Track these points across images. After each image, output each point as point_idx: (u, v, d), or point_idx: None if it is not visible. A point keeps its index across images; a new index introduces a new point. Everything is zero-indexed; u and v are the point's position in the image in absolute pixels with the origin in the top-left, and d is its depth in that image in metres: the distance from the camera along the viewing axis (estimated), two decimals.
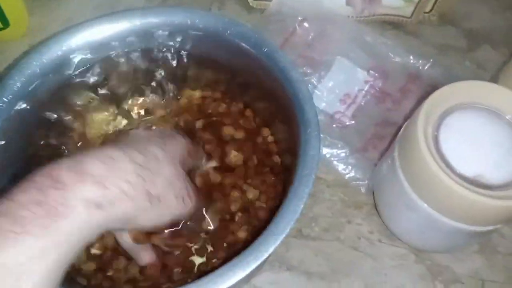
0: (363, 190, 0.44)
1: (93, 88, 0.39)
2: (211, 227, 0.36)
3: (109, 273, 0.36)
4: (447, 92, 0.34)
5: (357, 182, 0.44)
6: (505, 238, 0.42)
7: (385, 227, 0.42)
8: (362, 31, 0.49)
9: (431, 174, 0.31)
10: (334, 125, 0.46)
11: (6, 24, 0.49)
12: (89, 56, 0.36)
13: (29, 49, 0.50)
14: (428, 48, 0.52)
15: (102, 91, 0.39)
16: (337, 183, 0.44)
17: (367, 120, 0.46)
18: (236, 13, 0.54)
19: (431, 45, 0.52)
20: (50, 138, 0.37)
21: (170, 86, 0.42)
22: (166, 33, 0.37)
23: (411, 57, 0.48)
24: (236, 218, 0.37)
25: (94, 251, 0.36)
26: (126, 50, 0.38)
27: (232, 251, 0.36)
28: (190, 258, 0.36)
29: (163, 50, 0.39)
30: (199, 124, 0.40)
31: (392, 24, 0.53)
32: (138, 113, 0.42)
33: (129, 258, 0.35)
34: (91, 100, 0.40)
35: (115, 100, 0.41)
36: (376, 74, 0.48)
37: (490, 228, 0.34)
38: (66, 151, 0.39)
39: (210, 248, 0.37)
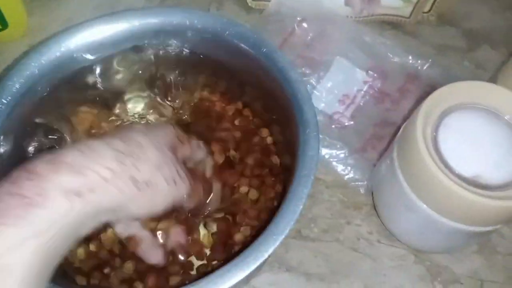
0: (362, 190, 0.44)
1: (93, 88, 0.39)
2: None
3: (107, 272, 0.35)
4: (446, 92, 0.34)
5: (356, 182, 0.44)
6: (504, 238, 0.42)
7: (384, 227, 0.42)
8: (361, 31, 0.49)
9: (430, 175, 0.31)
10: (333, 126, 0.46)
11: (5, 25, 0.49)
12: (88, 56, 0.36)
13: (28, 49, 0.50)
14: (427, 48, 0.52)
15: (102, 91, 0.39)
16: (336, 184, 0.44)
17: (366, 121, 0.46)
18: (235, 13, 0.54)
19: (430, 45, 0.52)
20: (49, 138, 0.37)
21: (170, 87, 0.42)
22: (165, 33, 0.37)
23: (410, 57, 0.48)
24: (237, 219, 0.37)
25: (92, 248, 0.36)
26: (125, 50, 0.38)
27: (232, 252, 0.36)
28: (189, 259, 0.36)
29: (163, 50, 0.39)
30: (198, 124, 0.40)
31: (391, 24, 0.53)
32: (138, 113, 0.43)
33: (126, 258, 0.35)
34: (90, 101, 0.39)
35: (115, 101, 0.41)
36: (375, 75, 0.48)
37: (489, 228, 0.34)
38: None
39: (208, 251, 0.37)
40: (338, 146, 0.45)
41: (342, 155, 0.44)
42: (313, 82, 0.47)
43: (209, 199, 0.35)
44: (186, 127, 0.39)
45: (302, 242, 0.41)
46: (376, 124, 0.46)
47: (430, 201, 0.34)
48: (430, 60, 0.48)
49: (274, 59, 0.35)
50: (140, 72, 0.40)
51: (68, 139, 0.39)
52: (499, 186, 0.31)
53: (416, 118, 0.33)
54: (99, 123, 0.41)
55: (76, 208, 0.24)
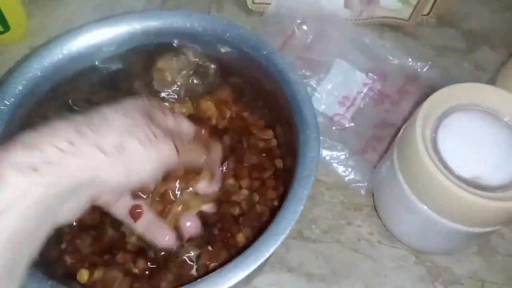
0: (362, 192, 0.44)
1: (95, 90, 0.39)
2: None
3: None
4: (445, 94, 0.34)
5: (357, 184, 0.44)
6: (504, 239, 0.42)
7: (385, 228, 0.42)
8: (360, 33, 0.49)
9: (430, 176, 0.31)
10: (334, 128, 0.46)
11: (6, 27, 0.50)
12: (90, 59, 0.37)
13: (30, 52, 0.50)
14: (426, 49, 0.52)
15: (103, 93, 0.40)
16: (337, 185, 0.44)
17: (366, 122, 0.46)
18: (235, 15, 0.54)
19: (429, 47, 0.52)
20: None
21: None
22: (166, 36, 0.38)
23: (410, 59, 0.48)
24: (239, 220, 0.37)
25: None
26: (125, 53, 0.38)
27: (233, 253, 0.36)
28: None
29: (164, 53, 0.39)
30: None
31: (390, 26, 0.53)
32: None
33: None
34: (92, 102, 0.40)
35: (114, 101, 0.41)
36: (375, 76, 0.48)
37: (489, 229, 0.34)
38: None
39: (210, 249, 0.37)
40: (339, 147, 0.45)
41: (342, 157, 0.45)
42: (314, 84, 0.48)
43: (207, 157, 0.34)
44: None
45: (303, 243, 0.42)
46: (376, 125, 0.46)
47: (430, 202, 0.34)
48: (429, 62, 0.48)
49: (274, 61, 0.36)
50: (141, 74, 0.40)
51: None
52: (498, 187, 0.31)
53: (415, 119, 0.33)
54: None
55: (39, 184, 0.23)
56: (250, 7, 0.53)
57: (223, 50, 0.38)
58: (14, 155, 0.23)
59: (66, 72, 0.36)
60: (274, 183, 0.38)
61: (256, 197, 0.38)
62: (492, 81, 0.42)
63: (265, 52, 0.36)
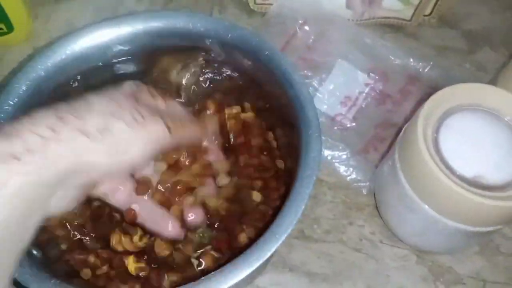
0: (364, 191, 0.44)
1: (98, 90, 0.39)
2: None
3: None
4: (447, 94, 0.34)
5: (359, 184, 0.44)
6: (506, 239, 0.42)
7: (387, 228, 0.42)
8: (362, 34, 0.49)
9: (431, 176, 0.32)
10: (335, 127, 0.47)
11: (10, 28, 0.50)
12: (93, 59, 0.37)
13: (33, 52, 0.51)
14: (428, 50, 0.52)
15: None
16: (338, 185, 0.45)
17: (367, 122, 0.46)
18: (237, 16, 0.54)
19: (430, 47, 0.52)
20: None
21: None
22: (169, 36, 0.38)
23: (411, 59, 0.48)
24: (241, 220, 0.37)
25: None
26: (128, 53, 0.38)
27: (236, 252, 0.36)
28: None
29: (167, 53, 0.39)
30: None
31: (392, 27, 0.53)
32: None
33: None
34: None
35: None
36: (377, 77, 0.48)
37: (491, 228, 0.34)
38: None
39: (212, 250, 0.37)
40: (340, 147, 0.45)
41: (344, 157, 0.45)
42: (315, 85, 0.48)
43: (204, 132, 0.33)
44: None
45: (305, 243, 0.42)
46: (378, 125, 0.46)
47: (432, 201, 0.34)
48: (431, 63, 0.48)
49: (276, 62, 0.36)
50: (143, 77, 0.40)
51: None
52: (500, 186, 0.32)
53: (417, 119, 0.33)
54: None
55: (19, 172, 0.22)
56: (252, 7, 0.53)
57: (226, 51, 0.38)
58: None
59: (69, 73, 0.37)
60: (276, 183, 0.39)
61: (259, 198, 0.38)
62: (493, 82, 0.42)
63: (267, 53, 0.36)
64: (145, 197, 0.33)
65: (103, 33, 0.37)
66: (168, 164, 0.34)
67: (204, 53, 0.39)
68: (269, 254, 0.28)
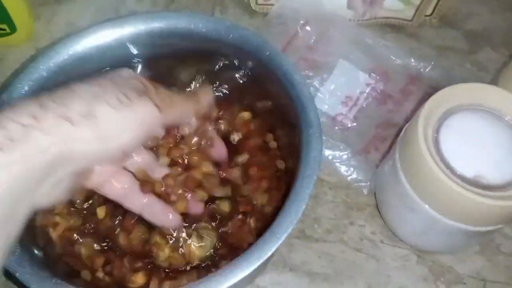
0: (365, 191, 0.44)
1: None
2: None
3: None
4: (447, 94, 0.34)
5: (359, 183, 0.44)
6: (507, 239, 0.42)
7: (387, 228, 0.42)
8: (363, 34, 0.49)
9: (432, 175, 0.32)
10: (336, 127, 0.47)
11: (13, 29, 0.50)
12: (95, 60, 0.37)
13: (36, 53, 0.51)
14: (429, 50, 0.52)
15: None
16: (339, 185, 0.45)
17: (368, 122, 0.47)
18: (238, 17, 0.54)
19: (431, 47, 0.52)
20: None
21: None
22: (170, 36, 0.38)
23: (412, 59, 0.49)
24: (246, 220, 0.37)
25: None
26: (129, 54, 0.38)
27: (237, 252, 0.36)
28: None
29: (168, 55, 0.39)
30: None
31: (393, 27, 0.53)
32: None
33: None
34: None
35: None
36: (378, 77, 0.48)
37: (491, 228, 0.34)
38: None
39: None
40: (341, 147, 0.45)
41: (345, 156, 0.45)
42: (317, 85, 0.48)
43: (198, 106, 0.32)
44: None
45: (306, 243, 0.42)
46: (379, 125, 0.46)
47: (432, 201, 0.34)
48: (432, 62, 0.48)
49: (278, 62, 0.36)
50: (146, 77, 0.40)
51: None
52: (500, 186, 0.32)
53: (417, 119, 0.33)
54: None
55: (2, 163, 0.21)
56: (253, 8, 0.53)
57: (226, 51, 0.38)
58: None
59: (71, 74, 0.37)
60: (277, 183, 0.39)
61: (262, 198, 0.38)
62: (494, 82, 0.43)
63: (268, 53, 0.36)
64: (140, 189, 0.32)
65: (106, 33, 0.37)
66: (171, 160, 0.35)
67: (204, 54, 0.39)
68: (269, 253, 0.28)
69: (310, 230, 0.42)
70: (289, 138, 0.37)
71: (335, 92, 0.48)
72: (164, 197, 0.33)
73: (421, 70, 0.49)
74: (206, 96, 0.33)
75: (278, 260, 0.41)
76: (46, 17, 0.54)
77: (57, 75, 0.36)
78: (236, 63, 0.38)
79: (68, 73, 0.36)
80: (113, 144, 0.26)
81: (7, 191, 0.22)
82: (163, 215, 0.32)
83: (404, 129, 0.37)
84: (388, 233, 0.42)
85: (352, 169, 0.45)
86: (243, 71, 0.39)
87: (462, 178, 0.32)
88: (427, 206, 0.34)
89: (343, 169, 0.45)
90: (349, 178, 0.45)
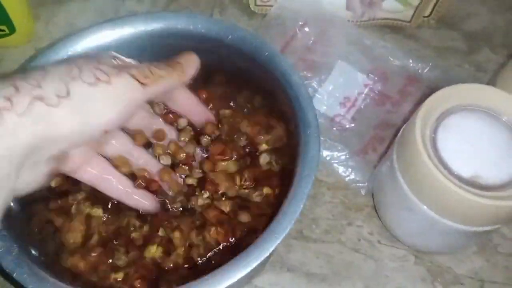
0: (363, 192, 0.44)
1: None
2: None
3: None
4: (445, 94, 0.34)
5: (357, 184, 0.44)
6: (505, 239, 0.42)
7: (385, 228, 0.42)
8: (362, 35, 0.50)
9: (429, 176, 0.32)
10: (334, 128, 0.47)
11: (12, 30, 0.50)
12: None
13: (35, 53, 0.51)
14: (427, 51, 0.52)
15: None
16: (337, 185, 0.45)
17: (366, 123, 0.47)
18: (237, 18, 0.54)
19: (430, 48, 0.52)
20: None
21: None
22: (170, 37, 0.38)
23: (411, 60, 0.49)
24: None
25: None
26: (130, 54, 0.38)
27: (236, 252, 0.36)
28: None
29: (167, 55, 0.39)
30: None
31: (391, 28, 0.53)
32: None
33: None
34: None
35: None
36: (376, 77, 0.48)
37: (489, 228, 0.34)
38: None
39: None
40: (339, 148, 0.45)
41: (343, 157, 0.45)
42: (315, 85, 0.48)
43: (182, 75, 0.31)
44: None
45: (304, 243, 0.42)
46: (377, 126, 0.47)
47: (430, 202, 0.34)
48: (430, 63, 0.49)
49: (276, 63, 0.36)
50: None
51: None
52: (497, 186, 0.32)
53: (415, 119, 0.33)
54: None
55: None
56: (252, 9, 0.53)
57: (225, 52, 0.38)
58: None
59: None
60: (275, 183, 0.39)
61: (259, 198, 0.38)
62: (491, 82, 0.43)
63: (267, 54, 0.36)
64: (117, 172, 0.32)
65: (105, 34, 0.37)
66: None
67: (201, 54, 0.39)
68: (267, 253, 0.28)
69: (308, 231, 0.42)
70: (288, 138, 0.37)
71: (333, 93, 0.48)
72: (141, 180, 0.33)
73: (420, 71, 0.49)
74: (191, 64, 0.32)
75: (276, 260, 0.41)
76: (45, 18, 0.54)
77: None
78: (235, 64, 0.39)
79: None
80: (93, 123, 0.25)
81: None
82: (139, 199, 0.32)
83: (401, 129, 0.37)
84: (386, 233, 0.42)
85: (350, 169, 0.45)
86: (241, 71, 0.39)
87: (460, 179, 0.32)
88: (424, 206, 0.34)
89: (341, 169, 0.45)
90: (347, 178, 0.45)
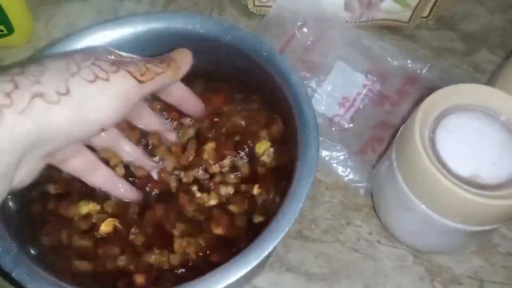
0: (362, 192, 0.44)
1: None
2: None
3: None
4: (444, 94, 0.35)
5: (356, 184, 0.44)
6: (505, 239, 0.42)
7: (384, 228, 0.42)
8: (360, 36, 0.50)
9: (428, 175, 0.32)
10: (333, 128, 0.47)
11: (11, 30, 0.50)
12: None
13: (35, 53, 0.51)
14: (425, 51, 0.52)
15: None
16: (336, 185, 0.45)
17: (365, 123, 0.47)
18: (236, 18, 0.54)
19: (428, 49, 0.53)
20: None
21: None
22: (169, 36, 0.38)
23: (409, 61, 0.49)
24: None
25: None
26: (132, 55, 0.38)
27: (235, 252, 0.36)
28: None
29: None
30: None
31: (390, 29, 0.53)
32: None
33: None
34: None
35: None
36: (374, 78, 0.48)
37: (488, 227, 0.34)
38: None
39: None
40: (338, 148, 0.45)
41: (342, 157, 0.45)
42: (314, 86, 0.48)
43: (177, 70, 0.31)
44: None
45: (303, 243, 0.42)
46: (376, 126, 0.47)
47: (429, 201, 0.34)
48: (429, 64, 0.49)
49: (275, 63, 0.36)
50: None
51: None
52: (496, 185, 0.32)
53: (414, 119, 0.33)
54: None
55: None
56: (251, 9, 0.53)
57: (224, 52, 0.38)
58: None
59: None
60: (274, 183, 0.39)
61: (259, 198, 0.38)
62: (490, 82, 0.43)
63: (266, 54, 0.36)
64: (105, 167, 0.32)
65: (105, 34, 0.37)
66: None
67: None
68: (267, 252, 0.28)
69: (307, 231, 0.42)
70: (287, 139, 0.37)
71: (332, 93, 0.48)
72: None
73: (418, 71, 0.49)
74: (185, 60, 0.32)
75: (275, 260, 0.41)
76: (45, 18, 0.54)
77: None
78: (234, 64, 0.39)
79: None
80: (92, 120, 0.25)
81: None
82: (126, 190, 0.32)
83: (400, 129, 0.37)
84: (385, 233, 0.42)
85: (349, 170, 0.45)
86: (240, 71, 0.39)
87: (459, 178, 0.32)
88: (423, 206, 0.34)
89: (340, 169, 0.45)
90: (346, 178, 0.45)
